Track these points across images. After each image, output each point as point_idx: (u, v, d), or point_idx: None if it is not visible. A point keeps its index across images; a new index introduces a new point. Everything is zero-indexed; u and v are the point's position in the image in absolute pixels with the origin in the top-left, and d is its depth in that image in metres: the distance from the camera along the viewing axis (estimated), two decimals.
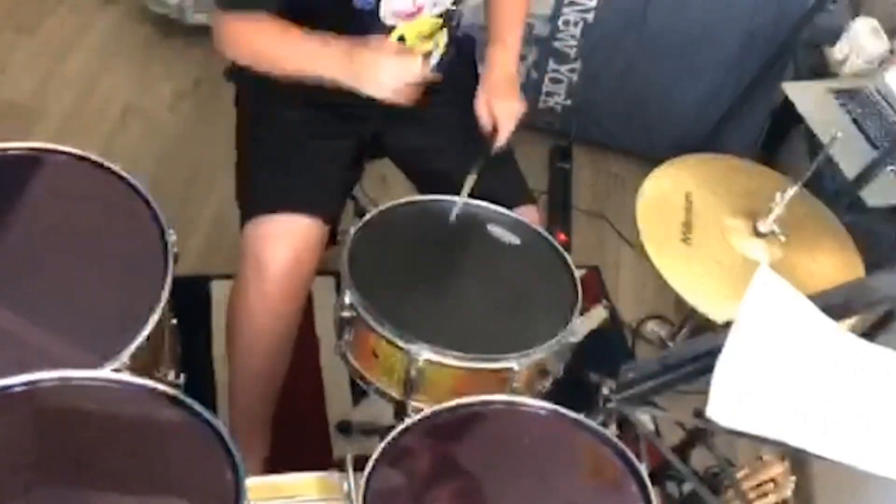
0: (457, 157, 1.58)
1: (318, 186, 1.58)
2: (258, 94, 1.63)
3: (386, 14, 1.49)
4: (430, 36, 1.58)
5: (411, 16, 1.51)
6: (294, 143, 1.60)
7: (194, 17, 2.73)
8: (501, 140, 1.57)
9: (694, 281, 1.41)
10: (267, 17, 1.45)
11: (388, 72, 1.40)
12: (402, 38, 1.53)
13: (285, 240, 1.50)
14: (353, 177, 1.77)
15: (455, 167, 1.57)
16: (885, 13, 2.23)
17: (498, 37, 1.65)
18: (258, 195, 1.57)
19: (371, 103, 1.45)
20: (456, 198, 1.53)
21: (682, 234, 1.47)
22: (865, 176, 1.83)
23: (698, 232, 1.48)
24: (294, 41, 1.45)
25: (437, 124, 1.66)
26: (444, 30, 1.60)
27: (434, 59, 1.61)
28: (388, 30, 1.51)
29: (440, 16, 1.56)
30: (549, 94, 2.67)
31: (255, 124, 1.66)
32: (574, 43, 2.56)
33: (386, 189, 2.14)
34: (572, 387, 1.45)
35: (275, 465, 1.72)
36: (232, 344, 1.63)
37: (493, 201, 1.55)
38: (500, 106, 1.57)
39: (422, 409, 1.25)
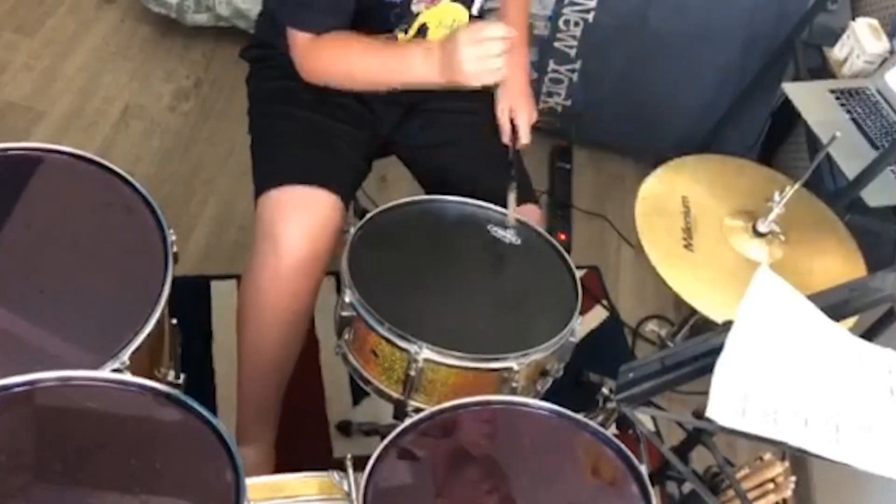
0: (465, 154, 1.59)
1: (333, 162, 1.56)
2: (274, 73, 1.61)
3: (417, 6, 1.50)
4: (452, 24, 1.58)
5: (435, 1, 1.52)
6: (312, 119, 1.59)
7: (194, 17, 2.73)
8: (520, 145, 1.59)
9: (698, 286, 1.41)
10: (337, 34, 1.46)
11: (473, 48, 1.36)
12: (424, 26, 1.54)
13: (299, 213, 1.47)
14: (365, 168, 1.74)
15: (463, 164, 1.59)
16: (885, 13, 2.23)
17: (513, 44, 1.66)
18: (272, 168, 1.54)
19: (388, 99, 1.44)
20: (505, 211, 1.53)
21: (684, 241, 1.46)
22: (866, 176, 1.82)
23: (699, 236, 1.48)
24: (375, 51, 1.46)
25: (447, 122, 1.68)
26: (465, 19, 1.61)
27: None
28: (414, 18, 1.52)
29: (461, 1, 1.57)
30: (549, 94, 2.67)
31: (271, 103, 1.64)
32: (574, 43, 2.56)
33: (386, 189, 2.15)
34: (572, 387, 1.45)
35: (275, 465, 1.73)
36: (243, 326, 1.59)
37: (498, 200, 1.56)
38: (520, 114, 1.58)
39: (422, 409, 1.25)
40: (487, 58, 1.36)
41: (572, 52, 2.58)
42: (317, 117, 1.59)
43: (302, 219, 1.47)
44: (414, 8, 1.51)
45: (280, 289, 1.50)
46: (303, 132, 1.58)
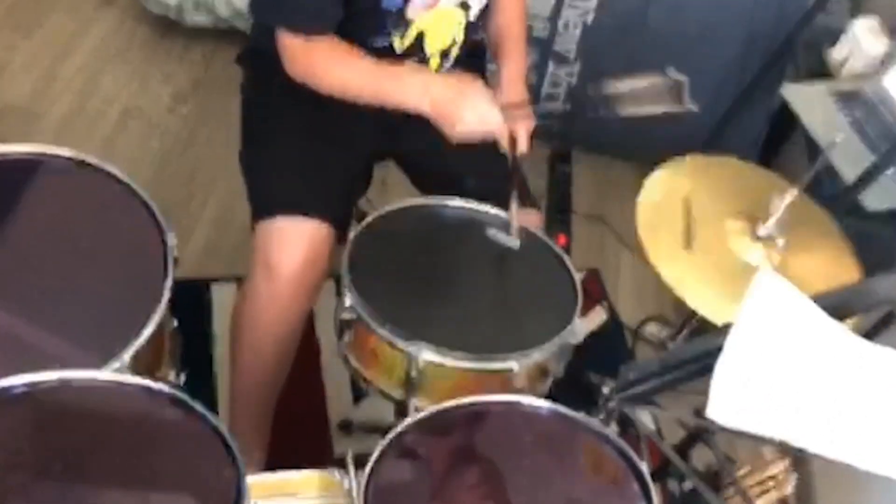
0: (462, 157, 1.59)
1: (329, 190, 1.57)
2: (271, 88, 1.61)
3: (413, 12, 1.50)
4: (448, 30, 1.58)
5: (432, 6, 1.52)
6: (305, 144, 1.60)
7: (193, 18, 2.73)
8: (519, 154, 1.58)
9: (698, 287, 1.41)
10: (334, 41, 1.47)
11: (476, 109, 1.45)
12: (421, 34, 1.54)
13: (296, 243, 1.49)
14: (363, 185, 1.77)
15: (460, 167, 1.58)
16: (885, 13, 2.23)
17: (510, 51, 1.67)
18: (269, 197, 1.56)
19: (380, 111, 1.47)
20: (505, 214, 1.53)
21: (684, 242, 1.46)
22: (865, 180, 1.82)
23: (699, 237, 1.48)
24: (375, 68, 1.48)
25: None
26: (461, 26, 1.60)
27: (451, 58, 1.63)
28: (409, 24, 1.52)
29: (459, 5, 1.56)
30: (548, 96, 2.67)
31: (265, 120, 1.64)
32: (573, 45, 2.56)
33: (385, 192, 2.14)
34: (573, 387, 1.45)
35: (276, 464, 1.72)
36: (237, 345, 1.63)
37: (496, 203, 1.55)
38: (519, 121, 1.58)
39: (423, 409, 1.25)
40: (482, 126, 1.47)
41: (571, 54, 2.58)
42: (311, 139, 1.59)
43: (296, 248, 1.50)
44: (409, 14, 1.51)
45: (275, 313, 1.55)
46: (298, 157, 1.59)
